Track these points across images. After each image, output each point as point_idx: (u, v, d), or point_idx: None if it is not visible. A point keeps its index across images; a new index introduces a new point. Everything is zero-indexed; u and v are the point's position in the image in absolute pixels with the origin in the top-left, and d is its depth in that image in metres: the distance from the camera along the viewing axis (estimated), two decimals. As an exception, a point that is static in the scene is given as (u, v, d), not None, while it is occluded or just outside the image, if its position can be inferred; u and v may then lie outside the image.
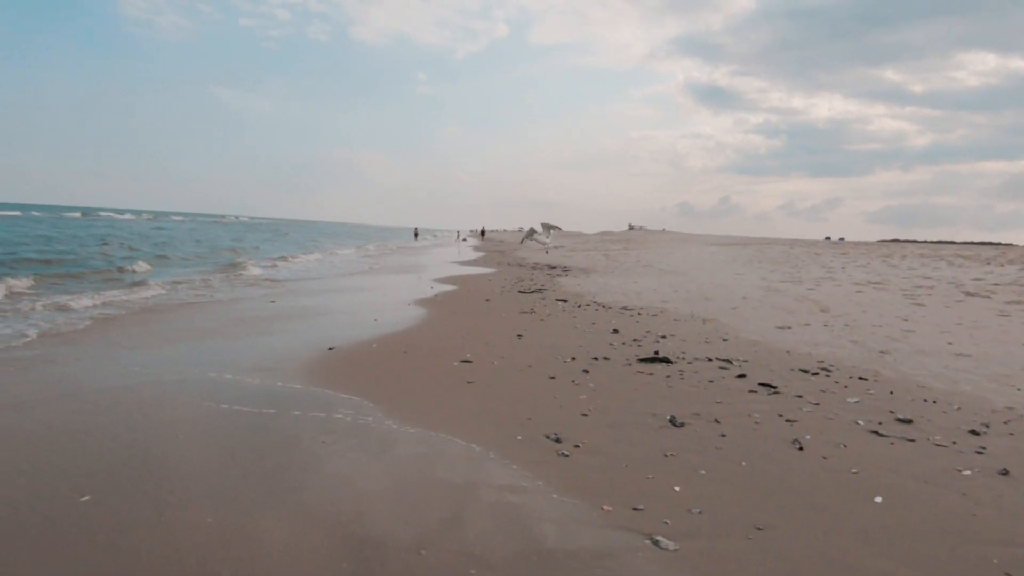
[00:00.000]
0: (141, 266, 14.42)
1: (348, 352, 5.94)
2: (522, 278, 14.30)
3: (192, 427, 3.77)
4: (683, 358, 5.77)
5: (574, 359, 5.66)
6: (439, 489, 2.95)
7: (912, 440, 3.67)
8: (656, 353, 5.90)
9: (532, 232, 17.81)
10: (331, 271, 17.15)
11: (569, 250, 29.53)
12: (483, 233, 71.08)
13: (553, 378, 5.01)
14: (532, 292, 11.02)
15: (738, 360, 5.74)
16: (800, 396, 4.60)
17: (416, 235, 54.58)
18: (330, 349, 6.01)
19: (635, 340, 6.56)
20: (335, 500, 2.82)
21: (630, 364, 5.51)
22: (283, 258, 21.45)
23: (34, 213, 62.61)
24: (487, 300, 9.94)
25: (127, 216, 75.71)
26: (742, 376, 5.15)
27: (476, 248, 38.03)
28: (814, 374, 5.26)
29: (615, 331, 7.05)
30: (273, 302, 9.71)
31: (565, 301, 9.64)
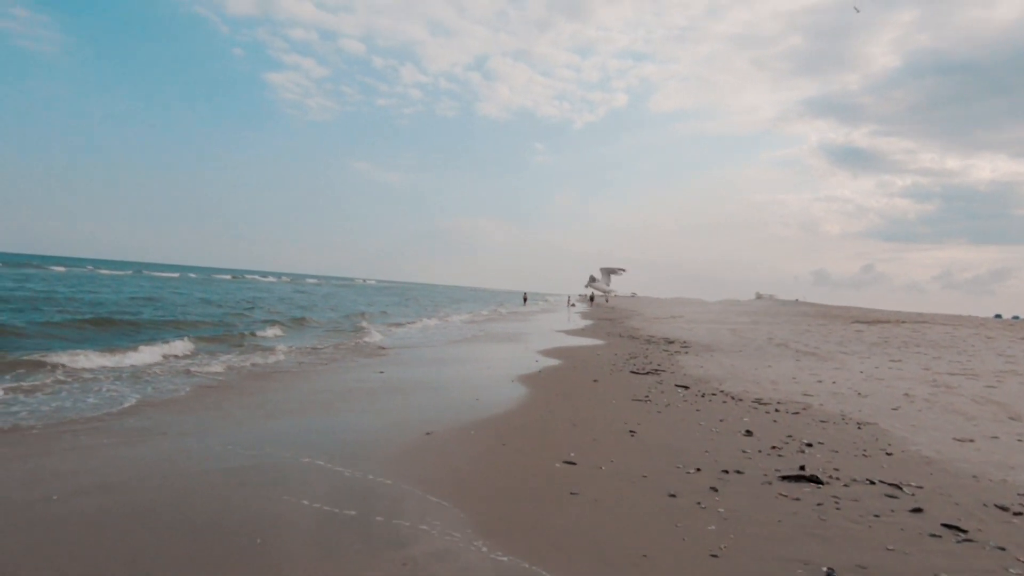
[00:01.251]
0: (274, 332, 15.41)
1: (445, 438, 5.53)
2: (635, 354, 13.38)
3: (268, 526, 3.45)
4: (836, 477, 4.67)
5: (699, 470, 4.79)
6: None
7: None
8: (802, 469, 4.86)
9: (592, 280, 16.68)
10: (443, 337, 17.32)
11: (690, 321, 27.86)
12: (592, 298, 70.24)
13: (674, 496, 4.20)
14: (647, 373, 10.11)
15: (909, 486, 4.53)
16: (1003, 549, 3.40)
17: (525, 300, 55.01)
18: (428, 434, 5.65)
19: (774, 447, 5.52)
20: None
21: (770, 482, 4.54)
22: (402, 324, 22.24)
23: (191, 275, 71.56)
24: (595, 381, 9.21)
25: (270, 279, 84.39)
26: (917, 511, 3.99)
27: (585, 315, 37.29)
28: (1017, 514, 3.97)
29: (748, 433, 6.03)
30: (382, 372, 9.72)
31: (686, 388, 8.66)
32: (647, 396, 7.93)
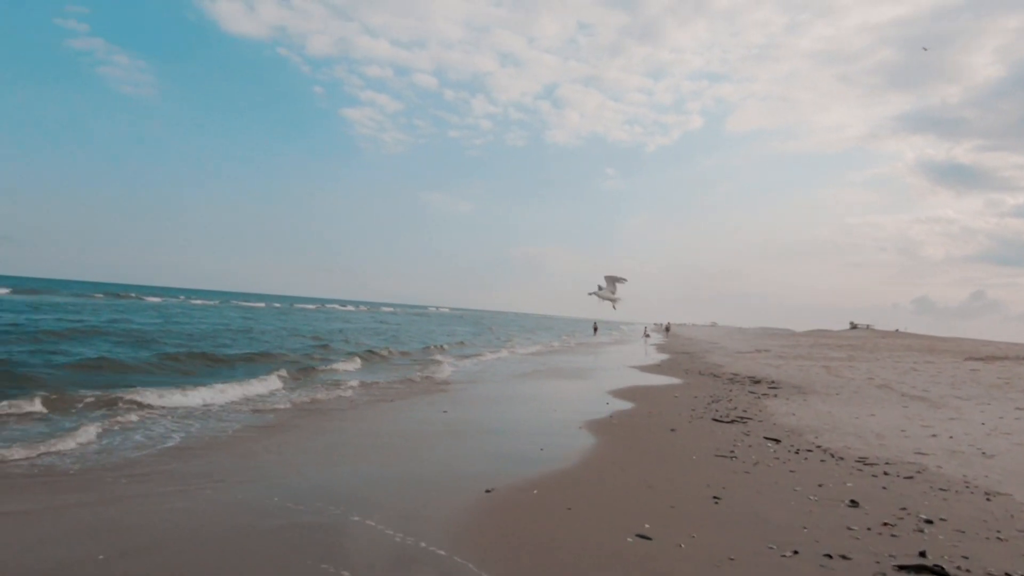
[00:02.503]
0: (351, 365, 15.68)
1: (506, 497, 5.13)
2: (717, 396, 12.43)
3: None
4: (967, 569, 3.84)
5: (796, 553, 4.10)
6: None
7: None
8: (923, 555, 4.05)
9: (600, 288, 15.64)
10: (510, 371, 17.00)
11: (777, 356, 26.04)
12: (668, 329, 67.76)
13: (768, 590, 3.57)
14: (731, 422, 9.26)
15: (1069, 586, 3.65)
16: None
17: (596, 330, 53.82)
18: (488, 491, 5.27)
19: (885, 524, 4.71)
20: None
21: (883, 573, 3.80)
22: (472, 355, 22.23)
23: (275, 304, 75.65)
24: (672, 430, 8.50)
25: (348, 307, 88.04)
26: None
27: (660, 347, 35.85)
28: None
29: (853, 503, 5.20)
30: (445, 412, 9.49)
31: (777, 441, 7.79)
32: (732, 451, 7.16)
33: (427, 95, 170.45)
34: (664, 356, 26.90)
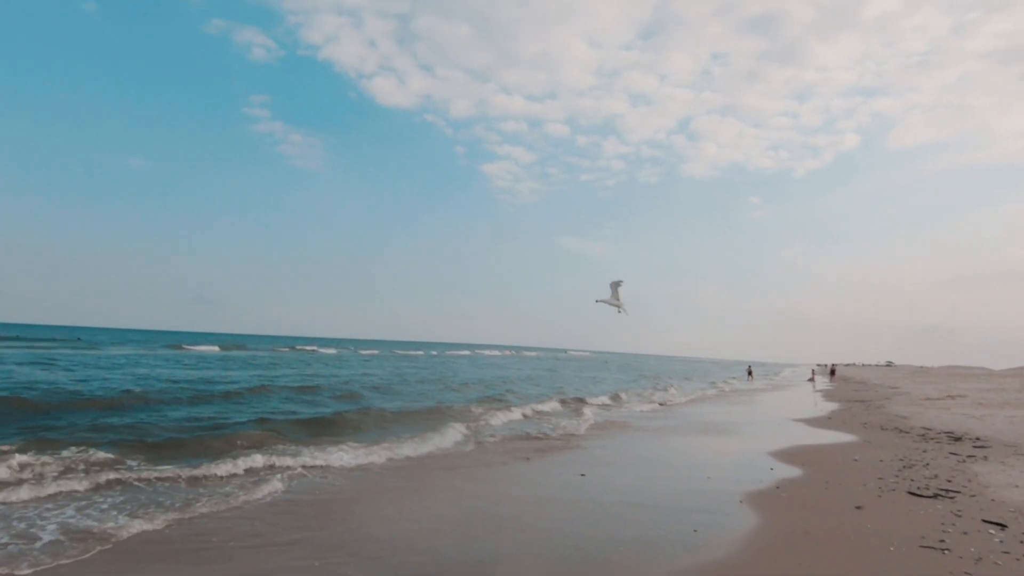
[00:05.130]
0: (508, 417, 15.62)
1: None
2: (908, 459, 10.39)
3: None
4: None
5: None
6: None
7: None
8: None
9: (611, 296, 13.76)
10: (660, 424, 15.88)
11: (976, 403, 21.73)
12: (833, 372, 60.01)
13: None
14: (934, 496, 7.55)
15: None
16: None
17: (750, 374, 49.36)
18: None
19: None
20: None
21: None
22: (617, 404, 21.48)
23: (432, 352, 79.96)
24: (858, 507, 7.08)
25: (494, 351, 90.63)
26: None
27: (827, 394, 31.76)
28: None
29: None
30: (583, 475, 8.90)
31: (1002, 526, 6.12)
32: (943, 541, 5.72)
33: (559, 143, 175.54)
34: (833, 405, 23.68)
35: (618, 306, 14.29)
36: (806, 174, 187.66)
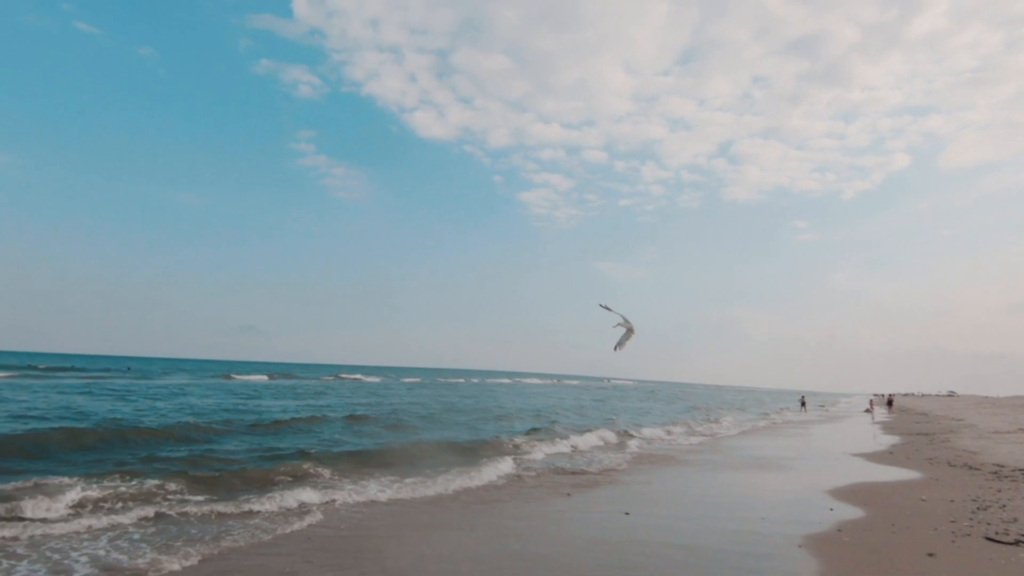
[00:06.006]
0: (556, 448, 15.35)
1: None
2: (982, 500, 9.55)
3: None
4: None
5: None
6: None
7: None
8: None
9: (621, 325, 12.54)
10: (709, 458, 15.23)
11: (1053, 439, 20.06)
12: (890, 402, 56.62)
13: None
14: (1015, 543, 6.86)
15: None
16: None
17: (803, 404, 47.21)
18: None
19: None
20: None
21: None
22: (662, 437, 20.78)
23: (473, 380, 79.93)
24: (931, 555, 6.47)
25: (533, 379, 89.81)
26: None
27: (886, 426, 30.00)
28: None
29: None
30: (627, 514, 8.50)
31: (1100, 581, 5.48)
32: (1033, 598, 5.15)
33: (597, 169, 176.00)
34: (894, 439, 22.28)
35: (629, 327, 13.26)
36: (855, 196, 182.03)
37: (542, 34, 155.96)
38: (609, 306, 11.87)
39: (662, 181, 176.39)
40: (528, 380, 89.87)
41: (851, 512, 8.77)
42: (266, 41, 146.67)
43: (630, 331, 12.10)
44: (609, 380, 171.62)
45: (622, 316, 12.15)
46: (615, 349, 12.09)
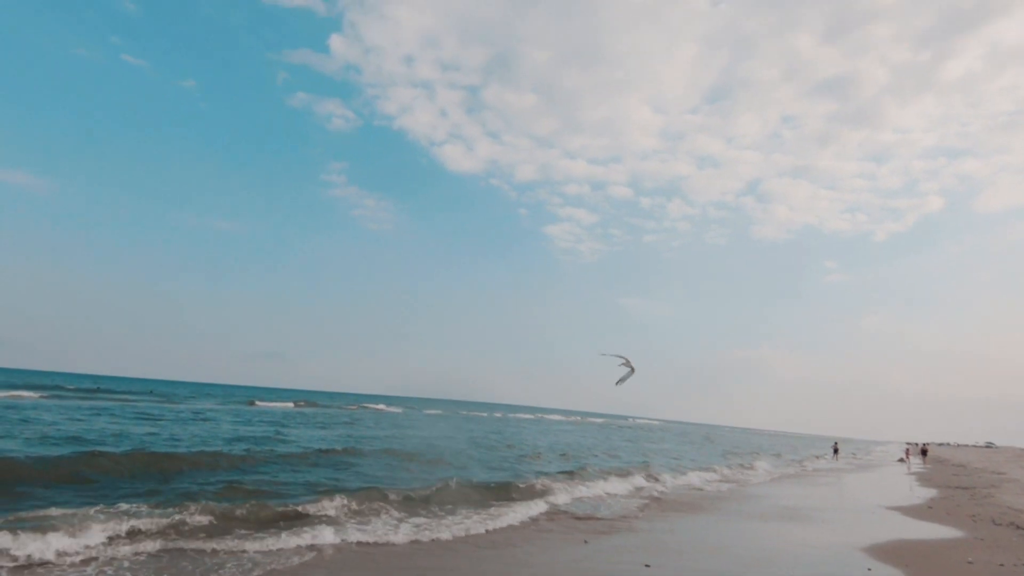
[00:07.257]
0: (571, 494, 14.90)
1: None
2: (1032, 565, 8.97)
3: None
4: None
5: None
6: None
7: None
8: None
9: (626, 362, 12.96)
10: (735, 507, 14.67)
11: (1107, 499, 18.85)
12: (924, 452, 53.94)
13: None
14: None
15: None
16: None
17: (836, 451, 45.43)
18: None
19: None
20: None
21: None
22: (687, 484, 20.09)
23: (496, 414, 79.12)
24: (980, 627, 6.07)
25: (557, 416, 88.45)
26: None
27: (921, 477, 28.65)
28: None
29: None
30: (648, 566, 8.16)
31: None
32: None
33: (622, 205, 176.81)
34: (931, 492, 21.23)
35: (629, 369, 13.59)
36: (888, 237, 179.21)
37: (570, 73, 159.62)
38: (607, 352, 12.89)
39: (688, 217, 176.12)
40: (551, 416, 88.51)
41: (891, 574, 8.29)
42: (303, 75, 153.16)
43: (631, 370, 12.99)
44: (633, 419, 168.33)
45: (624, 358, 12.97)
46: (616, 384, 13.07)
